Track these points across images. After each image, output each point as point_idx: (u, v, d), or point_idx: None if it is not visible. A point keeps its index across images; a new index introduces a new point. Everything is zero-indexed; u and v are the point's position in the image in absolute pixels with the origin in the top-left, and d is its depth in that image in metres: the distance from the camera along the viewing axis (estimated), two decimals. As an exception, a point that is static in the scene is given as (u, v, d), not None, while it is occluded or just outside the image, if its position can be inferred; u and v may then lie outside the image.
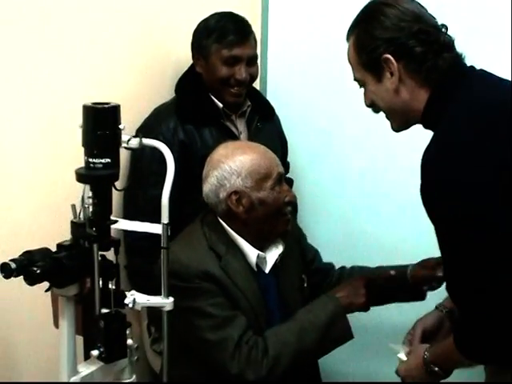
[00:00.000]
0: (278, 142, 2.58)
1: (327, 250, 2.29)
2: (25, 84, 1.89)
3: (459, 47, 1.66)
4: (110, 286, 1.46)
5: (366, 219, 2.79)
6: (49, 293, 1.47)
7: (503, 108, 1.54)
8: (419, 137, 1.64)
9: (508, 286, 1.44)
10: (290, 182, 2.57)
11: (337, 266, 2.23)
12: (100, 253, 1.44)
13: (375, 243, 2.64)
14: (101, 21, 2.15)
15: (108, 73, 2.20)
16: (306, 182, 2.81)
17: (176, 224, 1.59)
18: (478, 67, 1.67)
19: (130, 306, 1.47)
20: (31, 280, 1.38)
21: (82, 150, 1.42)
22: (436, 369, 1.71)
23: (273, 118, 2.61)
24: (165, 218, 1.47)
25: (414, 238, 2.20)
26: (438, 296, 1.94)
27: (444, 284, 1.64)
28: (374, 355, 2.61)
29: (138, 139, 1.47)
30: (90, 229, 1.43)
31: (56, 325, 1.51)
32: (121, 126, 1.43)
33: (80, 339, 1.51)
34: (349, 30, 1.70)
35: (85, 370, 1.48)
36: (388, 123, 1.74)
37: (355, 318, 1.94)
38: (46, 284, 1.43)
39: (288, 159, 2.70)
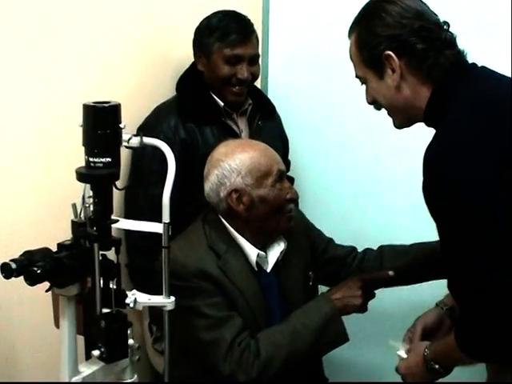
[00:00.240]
0: (279, 141, 2.57)
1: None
2: (25, 83, 1.89)
3: (460, 44, 1.65)
4: (110, 285, 1.46)
5: (367, 217, 2.78)
6: (49, 293, 1.47)
7: (504, 105, 1.53)
8: (421, 135, 1.63)
9: (509, 283, 1.43)
10: (291, 181, 2.57)
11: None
12: (101, 252, 1.44)
13: (376, 241, 2.62)
14: (101, 19, 2.14)
15: (108, 71, 2.20)
16: (306, 181, 2.80)
17: (177, 223, 1.59)
18: (478, 64, 1.66)
19: (131, 305, 1.47)
20: (32, 280, 1.38)
21: (83, 149, 1.42)
22: (436, 366, 1.71)
23: (274, 117, 2.60)
24: (166, 218, 1.46)
25: (415, 236, 2.19)
26: (438, 294, 1.93)
27: (445, 281, 1.63)
28: (374, 348, 2.61)
29: (138, 138, 1.47)
30: (91, 228, 1.43)
31: (57, 325, 1.51)
32: (121, 125, 1.43)
33: (81, 339, 1.51)
34: (350, 28, 1.70)
35: (86, 370, 1.48)
36: (389, 121, 1.74)
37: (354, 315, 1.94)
38: (46, 284, 1.43)
39: (289, 157, 2.69)
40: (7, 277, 1.38)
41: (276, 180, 1.92)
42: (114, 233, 1.48)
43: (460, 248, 1.49)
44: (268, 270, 1.97)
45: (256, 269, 1.95)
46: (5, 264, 1.38)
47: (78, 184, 1.43)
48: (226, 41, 2.30)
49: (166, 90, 2.45)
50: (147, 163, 2.23)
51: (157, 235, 1.48)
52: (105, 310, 1.45)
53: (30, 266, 1.38)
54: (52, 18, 1.95)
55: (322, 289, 2.12)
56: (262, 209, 1.91)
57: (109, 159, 1.40)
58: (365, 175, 2.80)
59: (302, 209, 2.24)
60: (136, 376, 1.57)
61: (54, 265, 1.39)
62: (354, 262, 2.15)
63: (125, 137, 1.45)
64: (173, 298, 1.49)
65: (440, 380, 1.76)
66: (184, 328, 1.84)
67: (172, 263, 1.50)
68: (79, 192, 1.43)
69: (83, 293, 1.46)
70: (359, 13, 1.69)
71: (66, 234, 1.47)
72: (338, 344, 1.92)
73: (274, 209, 1.92)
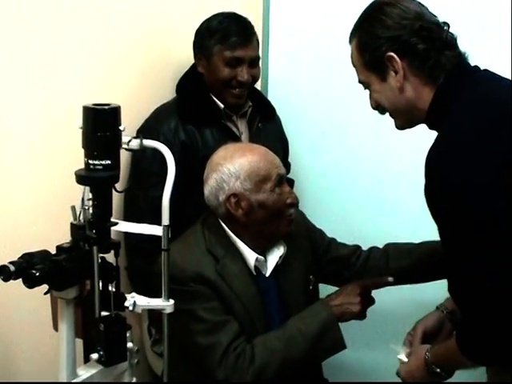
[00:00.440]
0: (279, 143, 2.57)
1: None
2: (24, 85, 1.89)
3: (460, 45, 1.65)
4: (109, 288, 1.45)
5: (368, 219, 2.78)
6: (48, 295, 1.46)
7: (505, 107, 1.54)
8: (422, 136, 1.63)
9: (510, 285, 1.43)
10: (291, 183, 2.56)
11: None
12: (100, 255, 1.43)
13: (377, 243, 2.62)
14: (101, 21, 2.14)
15: (108, 73, 2.20)
16: (307, 182, 2.80)
17: (177, 225, 1.59)
18: (479, 66, 1.67)
19: (131, 308, 1.47)
20: (30, 283, 1.37)
21: (82, 151, 1.41)
22: (438, 370, 1.71)
23: (274, 119, 2.60)
24: (165, 220, 1.46)
25: (416, 238, 2.19)
26: (439, 296, 1.93)
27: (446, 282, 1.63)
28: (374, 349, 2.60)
29: (138, 140, 1.46)
30: (90, 231, 1.42)
31: (55, 328, 1.50)
32: (121, 128, 1.42)
33: (80, 342, 1.50)
34: (351, 33, 1.70)
35: (84, 373, 1.47)
36: (390, 123, 1.74)
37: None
38: (45, 286, 1.42)
39: (289, 159, 2.69)
40: (6, 279, 1.37)
41: (275, 185, 1.91)
42: (113, 235, 1.48)
43: (461, 250, 1.49)
44: (267, 275, 1.97)
45: (254, 273, 1.95)
46: (3, 266, 1.37)
47: (78, 186, 1.42)
48: (227, 43, 2.30)
49: (165, 92, 2.45)
50: (147, 165, 2.22)
51: (156, 237, 1.47)
52: (104, 313, 1.44)
53: (29, 268, 1.37)
54: (52, 18, 1.94)
55: (325, 288, 2.13)
56: (260, 214, 1.90)
57: (108, 162, 1.40)
58: (365, 176, 2.80)
59: (302, 210, 2.24)
60: (135, 379, 1.57)
61: (52, 267, 1.39)
62: (357, 262, 2.14)
63: (124, 139, 1.44)
64: (172, 301, 1.49)
65: (440, 381, 1.76)
66: (181, 331, 1.84)
67: (170, 266, 1.50)
68: (78, 194, 1.43)
69: (82, 296, 1.45)
70: (359, 18, 1.69)
71: (65, 237, 1.46)
72: (334, 351, 1.91)
73: (274, 214, 1.92)
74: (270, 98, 2.73)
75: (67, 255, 1.42)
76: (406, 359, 1.83)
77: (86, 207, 1.42)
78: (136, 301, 1.48)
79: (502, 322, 1.46)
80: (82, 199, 1.43)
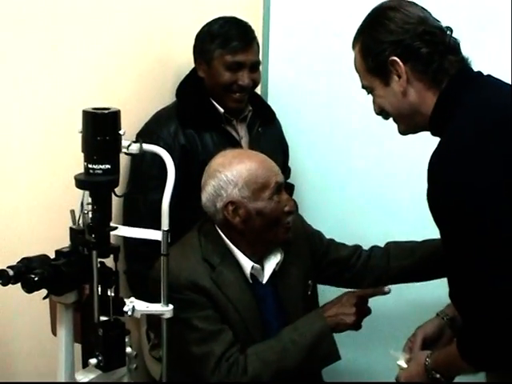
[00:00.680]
0: (279, 147, 2.57)
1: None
2: (24, 89, 1.88)
3: (461, 46, 1.65)
4: (108, 293, 1.45)
5: (368, 223, 2.78)
6: (47, 300, 1.46)
7: (508, 112, 1.54)
8: (422, 141, 1.63)
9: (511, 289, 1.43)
10: (291, 188, 2.56)
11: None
12: (99, 260, 1.43)
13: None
14: (101, 24, 2.14)
15: (108, 77, 2.19)
16: (307, 186, 2.80)
17: (176, 229, 1.58)
18: (476, 69, 1.67)
19: (129, 313, 1.46)
20: (29, 287, 1.37)
21: (82, 155, 1.41)
22: (438, 376, 1.70)
23: (274, 123, 2.60)
24: (165, 225, 1.46)
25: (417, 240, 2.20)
26: (438, 297, 1.91)
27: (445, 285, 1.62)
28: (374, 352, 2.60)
29: (138, 144, 1.46)
30: (89, 235, 1.42)
31: (54, 332, 1.50)
32: (121, 132, 1.42)
33: (78, 347, 1.50)
34: (354, 38, 1.70)
35: (83, 378, 1.47)
36: (391, 126, 1.74)
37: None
38: (44, 291, 1.42)
39: (289, 164, 2.68)
40: (4, 284, 1.37)
41: (273, 192, 1.89)
42: (112, 239, 1.48)
43: (463, 254, 1.49)
44: (264, 282, 1.95)
45: (251, 281, 1.93)
46: (2, 271, 1.37)
47: (77, 190, 1.42)
48: (227, 47, 2.29)
49: (165, 96, 2.45)
50: (146, 168, 2.22)
51: (156, 242, 1.47)
52: (103, 318, 1.44)
53: (28, 273, 1.37)
54: (52, 21, 1.94)
55: (325, 291, 2.12)
56: (258, 222, 1.89)
57: (108, 166, 1.39)
58: (366, 181, 2.80)
59: (302, 213, 2.24)
60: (133, 383, 1.57)
61: (51, 272, 1.38)
62: (358, 262, 2.13)
63: (124, 143, 1.44)
64: (171, 306, 1.48)
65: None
66: (175, 340, 1.82)
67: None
68: (78, 199, 1.43)
69: (81, 300, 1.45)
70: (362, 23, 1.69)
71: (64, 241, 1.46)
72: (329, 362, 1.90)
73: (271, 222, 1.90)
74: (269, 102, 2.72)
75: (66, 260, 1.42)
76: (405, 365, 1.83)
77: (86, 211, 1.42)
78: (135, 306, 1.47)
79: (504, 327, 1.45)
80: (82, 203, 1.43)
